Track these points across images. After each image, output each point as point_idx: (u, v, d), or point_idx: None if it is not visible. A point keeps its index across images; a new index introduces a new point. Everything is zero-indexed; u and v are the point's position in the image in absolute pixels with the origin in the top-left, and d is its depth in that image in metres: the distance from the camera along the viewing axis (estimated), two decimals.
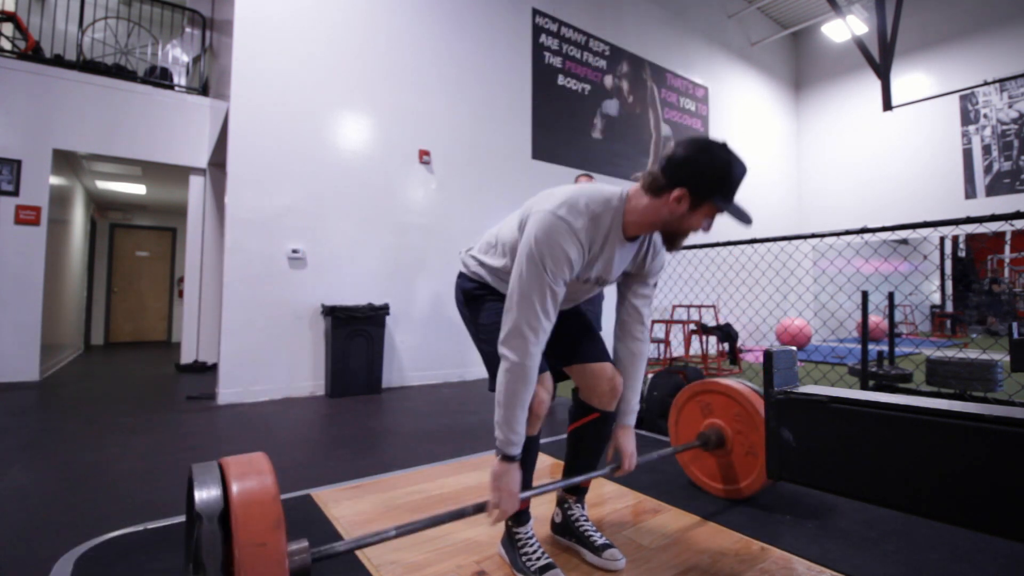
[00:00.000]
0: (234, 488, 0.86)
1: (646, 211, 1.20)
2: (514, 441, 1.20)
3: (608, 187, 1.26)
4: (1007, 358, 4.47)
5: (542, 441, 2.58)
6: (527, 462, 1.34)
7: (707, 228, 1.20)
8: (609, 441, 1.49)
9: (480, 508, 1.21)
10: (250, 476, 0.89)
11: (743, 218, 1.14)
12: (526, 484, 1.36)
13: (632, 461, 1.44)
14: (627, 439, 1.46)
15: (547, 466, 2.27)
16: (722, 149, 1.12)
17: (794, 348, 1.72)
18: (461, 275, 1.50)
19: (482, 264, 1.42)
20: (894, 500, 1.37)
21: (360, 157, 4.50)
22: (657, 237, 1.36)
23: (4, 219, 4.45)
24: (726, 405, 1.85)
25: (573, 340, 1.46)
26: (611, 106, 6.59)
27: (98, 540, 1.54)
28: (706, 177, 1.12)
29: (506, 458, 1.20)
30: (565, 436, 1.59)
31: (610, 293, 1.61)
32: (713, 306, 6.44)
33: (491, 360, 1.31)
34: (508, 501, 1.19)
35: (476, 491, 1.95)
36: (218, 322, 4.05)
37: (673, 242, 1.24)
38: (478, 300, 1.44)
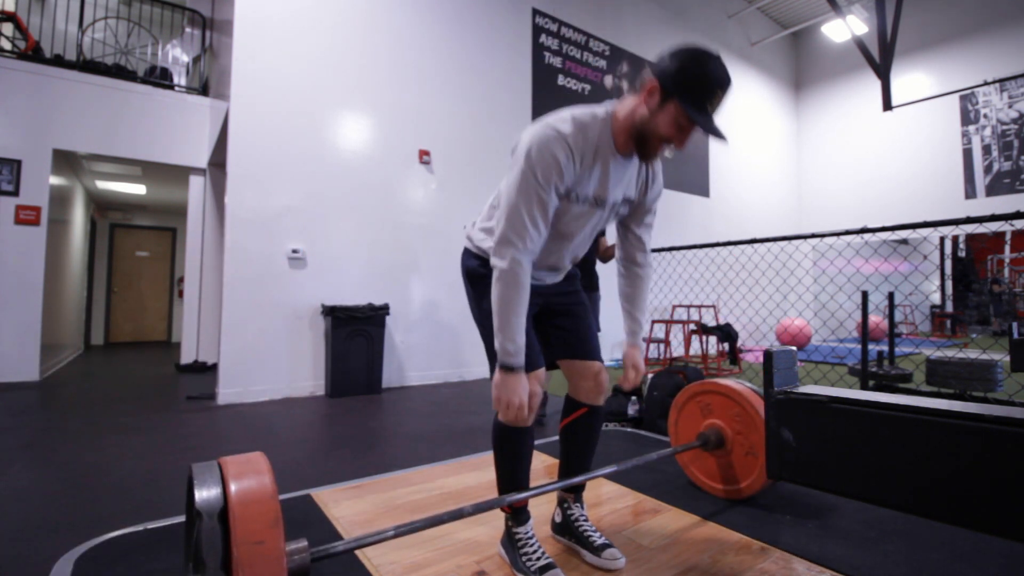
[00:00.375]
0: (232, 487, 0.86)
1: (628, 113, 1.20)
2: (513, 350, 1.18)
3: (596, 105, 1.27)
4: (1007, 358, 4.48)
5: (540, 441, 2.58)
6: (523, 454, 1.35)
7: (679, 140, 1.15)
8: (599, 436, 1.52)
9: (480, 508, 1.21)
10: (248, 475, 0.90)
11: (710, 129, 1.10)
12: (523, 479, 1.36)
13: (636, 376, 1.48)
14: (635, 355, 1.50)
15: (546, 466, 2.27)
16: (706, 55, 1.11)
17: (794, 348, 1.72)
18: (466, 251, 1.47)
19: (486, 231, 1.38)
20: (894, 500, 1.37)
21: (360, 157, 4.51)
22: (657, 165, 1.38)
23: (4, 219, 4.45)
24: (726, 405, 1.85)
25: (568, 335, 1.47)
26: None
27: (98, 540, 1.54)
28: (677, 72, 1.10)
29: (507, 367, 1.19)
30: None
31: (610, 295, 1.60)
32: (713, 306, 6.44)
33: (490, 344, 1.31)
34: (517, 414, 1.19)
35: (476, 491, 1.95)
36: (218, 322, 4.05)
37: (645, 148, 1.21)
38: (483, 281, 1.38)
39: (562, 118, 1.19)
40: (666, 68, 1.12)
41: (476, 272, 1.42)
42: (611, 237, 2.18)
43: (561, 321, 1.47)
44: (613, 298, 1.76)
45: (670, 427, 2.04)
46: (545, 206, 1.18)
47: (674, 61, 1.11)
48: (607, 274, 2.94)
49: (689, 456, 1.98)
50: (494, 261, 1.19)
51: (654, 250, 3.44)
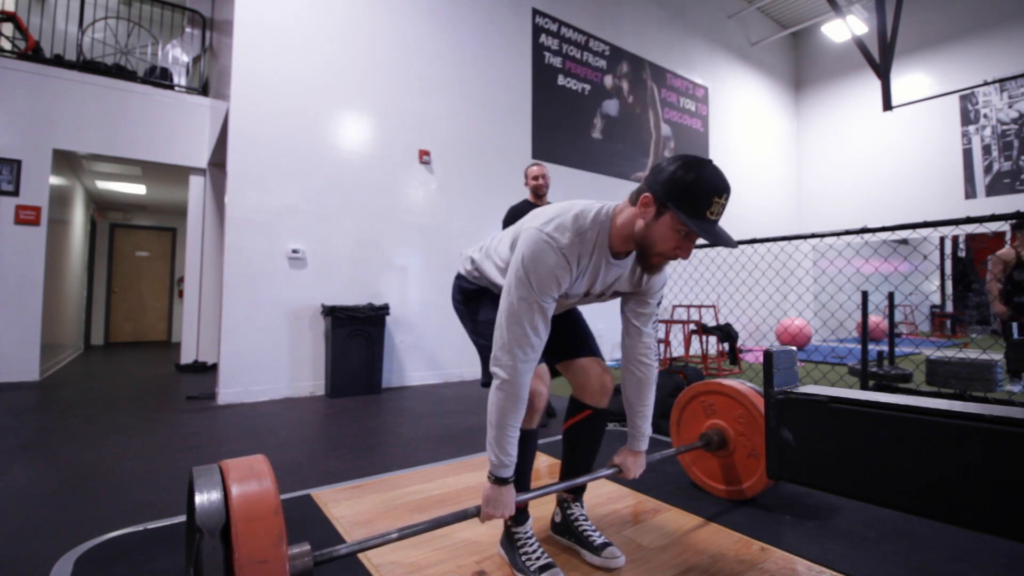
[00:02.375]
0: (235, 500, 0.84)
1: (625, 221, 1.17)
2: (506, 463, 1.19)
3: (597, 203, 1.23)
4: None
5: (542, 441, 2.58)
6: (526, 456, 1.36)
7: (682, 250, 1.13)
8: (602, 437, 1.52)
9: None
10: (251, 484, 0.88)
11: (712, 237, 1.06)
12: (524, 479, 1.37)
13: (633, 476, 1.47)
14: (634, 461, 1.47)
15: (547, 466, 2.27)
16: (699, 162, 1.08)
17: (794, 348, 1.72)
18: (460, 276, 1.51)
19: (481, 272, 1.43)
20: (894, 500, 1.37)
21: (360, 157, 4.50)
22: None
23: (4, 219, 4.45)
24: (729, 406, 1.84)
25: (566, 338, 1.48)
26: (611, 106, 6.59)
27: (98, 540, 1.54)
28: (670, 183, 1.07)
29: (499, 480, 1.20)
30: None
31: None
32: (713, 306, 6.44)
33: (487, 355, 1.32)
34: (504, 514, 1.21)
35: (476, 491, 1.95)
36: (218, 322, 4.05)
37: (645, 260, 1.18)
38: (477, 297, 1.46)
39: (561, 223, 1.16)
40: (658, 180, 1.10)
41: (470, 292, 1.47)
42: None
43: (559, 327, 1.47)
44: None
45: (672, 427, 2.04)
46: (545, 314, 1.17)
47: (664, 172, 1.09)
48: None
49: (691, 457, 1.97)
50: (495, 370, 1.18)
51: None
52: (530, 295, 1.14)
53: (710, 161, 1.09)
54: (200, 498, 0.84)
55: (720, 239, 1.07)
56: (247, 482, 0.88)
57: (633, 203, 1.16)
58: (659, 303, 1.41)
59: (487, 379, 1.29)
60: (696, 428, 1.94)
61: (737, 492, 1.81)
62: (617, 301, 1.44)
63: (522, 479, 1.36)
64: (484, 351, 1.37)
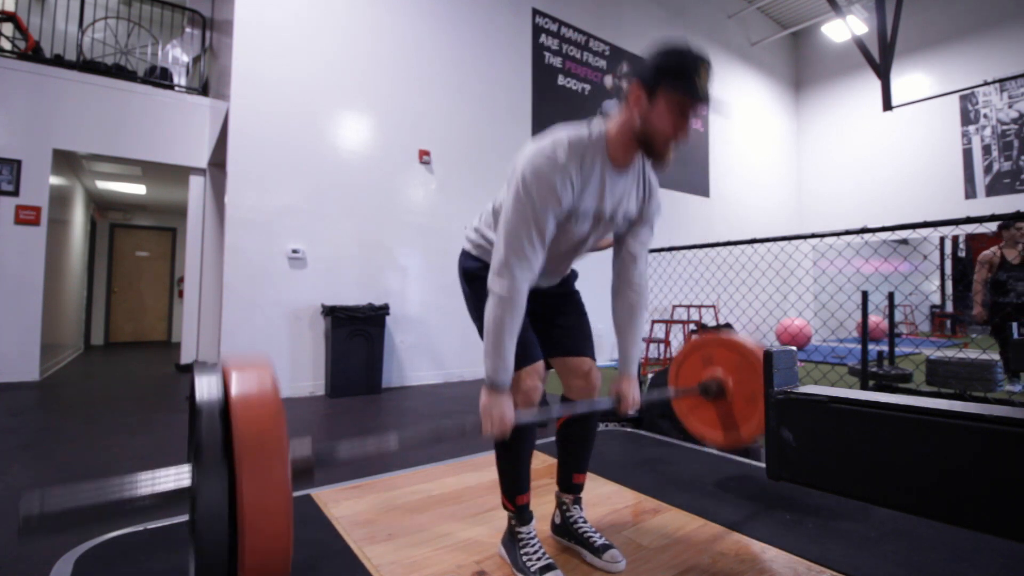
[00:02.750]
0: (234, 381, 0.86)
1: (621, 125, 1.19)
2: (504, 369, 1.19)
3: (585, 124, 1.26)
4: None
5: (541, 441, 2.58)
6: (524, 450, 1.36)
7: (682, 129, 1.14)
8: (595, 434, 1.53)
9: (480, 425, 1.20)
10: (249, 369, 0.90)
11: (707, 99, 1.10)
12: (524, 476, 1.37)
13: (631, 405, 1.45)
14: (628, 387, 1.46)
15: (546, 466, 2.27)
16: (675, 41, 1.14)
17: (794, 348, 1.72)
18: (464, 253, 1.47)
19: (484, 238, 1.39)
20: (894, 500, 1.37)
21: (360, 157, 4.50)
22: (652, 176, 1.36)
23: (4, 219, 4.45)
24: (727, 356, 1.85)
25: (565, 333, 1.47)
26: (611, 106, 6.59)
27: (98, 540, 1.54)
28: (655, 65, 1.12)
29: (495, 387, 1.19)
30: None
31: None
32: (713, 306, 6.44)
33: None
34: (501, 429, 1.18)
35: (477, 491, 1.95)
36: (218, 322, 4.05)
37: (652, 152, 1.19)
38: (481, 282, 1.39)
39: (557, 141, 1.18)
40: (642, 67, 1.15)
41: (475, 273, 1.43)
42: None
43: (555, 319, 1.48)
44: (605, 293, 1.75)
45: (670, 382, 2.03)
46: (543, 232, 1.17)
47: (647, 60, 1.15)
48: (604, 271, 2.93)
49: (688, 407, 1.97)
50: (492, 285, 1.18)
51: (654, 250, 3.44)
52: (528, 210, 1.14)
53: (682, 40, 1.15)
54: (200, 381, 0.84)
55: (715, 104, 1.12)
56: (246, 368, 0.90)
57: (621, 104, 1.21)
58: (653, 229, 1.42)
59: None
60: (695, 380, 1.94)
61: (735, 438, 1.81)
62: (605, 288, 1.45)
63: (522, 475, 1.37)
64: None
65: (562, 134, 1.20)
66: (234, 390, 0.85)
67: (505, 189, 1.28)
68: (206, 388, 0.84)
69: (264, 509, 0.79)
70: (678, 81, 1.09)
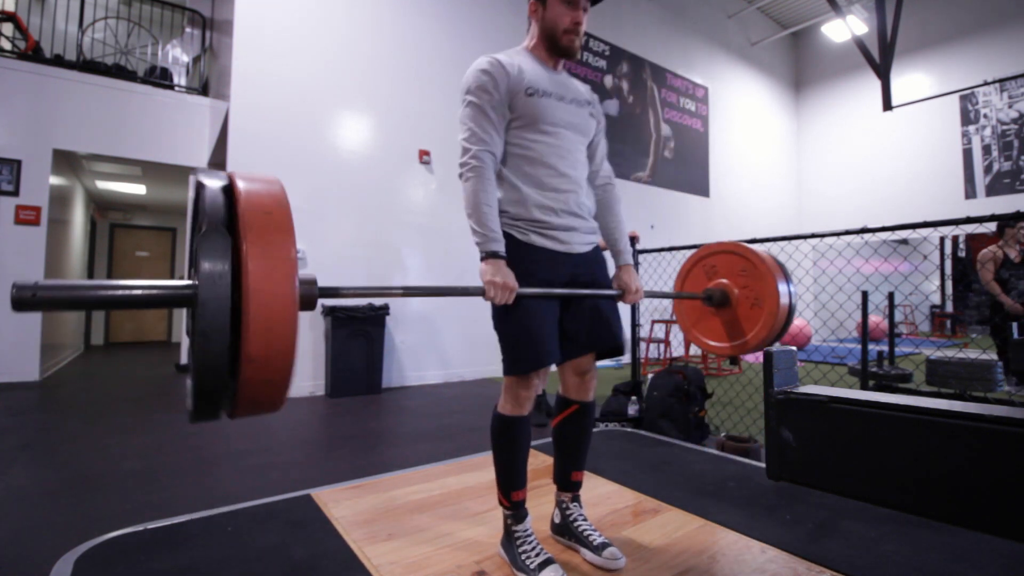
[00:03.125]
0: (239, 180, 0.81)
1: (531, 38, 1.42)
2: (493, 237, 1.25)
3: None
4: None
5: (540, 441, 2.58)
6: (520, 446, 1.37)
7: (573, 15, 1.35)
8: (591, 433, 1.53)
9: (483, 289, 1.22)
10: (256, 178, 0.85)
11: None
12: (521, 470, 1.37)
13: (635, 294, 1.46)
14: (628, 276, 1.48)
15: (546, 466, 2.27)
16: None
17: (794, 348, 1.72)
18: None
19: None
20: (894, 500, 1.37)
21: (360, 157, 4.50)
22: (591, 95, 1.52)
23: (4, 219, 4.45)
24: (731, 262, 1.82)
25: (573, 329, 1.42)
26: (611, 106, 6.59)
27: (98, 540, 1.53)
28: None
29: (491, 255, 1.24)
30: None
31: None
32: None
33: (503, 341, 1.34)
34: (504, 293, 1.21)
35: (477, 491, 1.95)
36: None
37: (559, 48, 1.38)
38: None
39: (483, 57, 1.37)
40: None
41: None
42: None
43: (567, 316, 1.42)
44: None
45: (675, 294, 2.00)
46: (492, 110, 1.31)
47: None
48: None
49: (692, 319, 1.94)
50: (463, 167, 1.31)
51: (654, 249, 3.44)
52: (473, 101, 1.31)
53: None
54: (204, 176, 0.79)
55: None
56: (253, 180, 0.83)
57: (528, 30, 1.44)
58: (603, 135, 1.56)
59: (506, 368, 1.32)
60: (699, 290, 1.92)
61: (741, 346, 1.78)
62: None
63: (520, 469, 1.37)
64: (501, 336, 1.37)
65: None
66: (240, 181, 0.80)
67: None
68: (208, 176, 0.80)
69: (271, 294, 0.73)
70: None
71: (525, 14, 6.25)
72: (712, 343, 1.88)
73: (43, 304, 0.70)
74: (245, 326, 0.72)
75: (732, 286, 1.81)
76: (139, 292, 0.78)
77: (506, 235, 1.38)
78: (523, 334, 1.29)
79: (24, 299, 0.68)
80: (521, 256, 1.33)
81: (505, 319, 1.32)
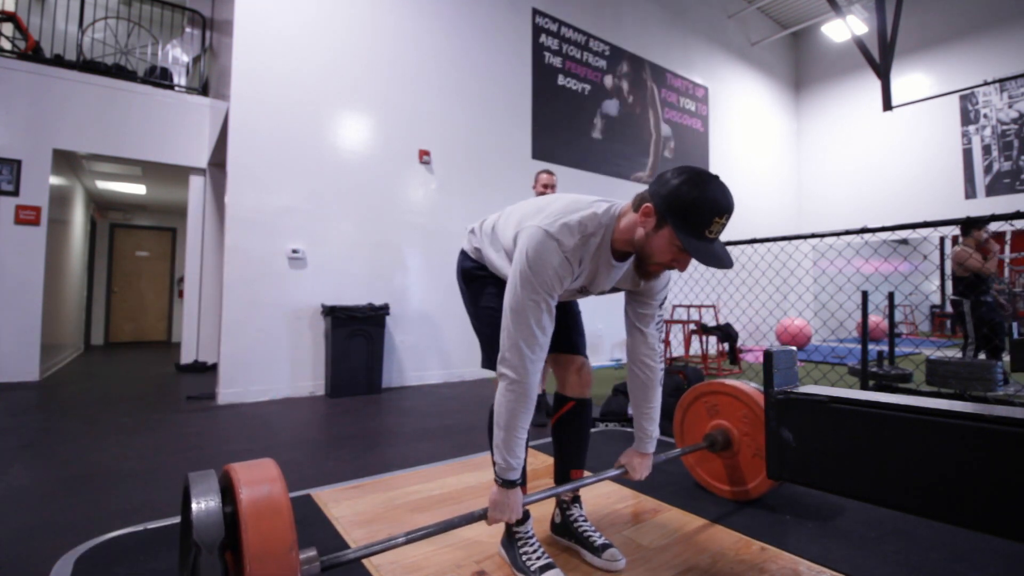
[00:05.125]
0: (245, 508, 0.80)
1: (627, 226, 1.17)
2: (514, 466, 1.18)
3: (601, 203, 1.23)
4: (1007, 358, 4.47)
5: (541, 441, 2.58)
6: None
7: (679, 263, 1.13)
8: (589, 429, 1.54)
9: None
10: (260, 486, 0.84)
11: (706, 259, 1.04)
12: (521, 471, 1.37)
13: (639, 477, 1.48)
14: (640, 462, 1.47)
15: (546, 467, 2.27)
16: (704, 179, 1.05)
17: (794, 348, 1.72)
18: (463, 253, 1.52)
19: (480, 253, 1.46)
20: (894, 500, 1.37)
21: (360, 157, 4.50)
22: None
23: (4, 219, 4.45)
24: (732, 406, 1.84)
25: (558, 331, 1.45)
26: (611, 106, 6.59)
27: (98, 540, 1.54)
28: (672, 197, 1.05)
29: (506, 484, 1.19)
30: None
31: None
32: (713, 306, 6.44)
33: (487, 342, 1.38)
34: (508, 520, 1.22)
35: (476, 491, 1.95)
36: (218, 322, 4.05)
37: (643, 268, 1.20)
38: (479, 282, 1.47)
39: (566, 226, 1.16)
40: (660, 192, 1.08)
41: (473, 273, 1.47)
42: None
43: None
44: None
45: (675, 427, 2.04)
46: (550, 311, 1.17)
47: (667, 185, 1.07)
48: None
49: (695, 458, 1.97)
50: (504, 370, 1.17)
51: None
52: (535, 295, 1.14)
53: (716, 177, 1.06)
54: (197, 507, 0.78)
55: (716, 259, 1.04)
56: (257, 486, 0.83)
57: (636, 209, 1.16)
58: (662, 304, 1.39)
59: (487, 363, 1.32)
60: (700, 429, 1.94)
61: (742, 492, 1.81)
62: (620, 300, 1.44)
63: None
64: (482, 337, 1.43)
65: (574, 216, 1.17)
66: (245, 517, 0.79)
67: (506, 222, 1.32)
68: (204, 516, 0.77)
69: None
70: (687, 227, 1.05)
71: (525, 13, 6.25)
72: (715, 484, 1.91)
73: None
74: None
75: (733, 429, 1.84)
76: None
77: (476, 261, 1.46)
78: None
79: None
80: (500, 291, 1.34)
81: (484, 317, 1.38)
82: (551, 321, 1.17)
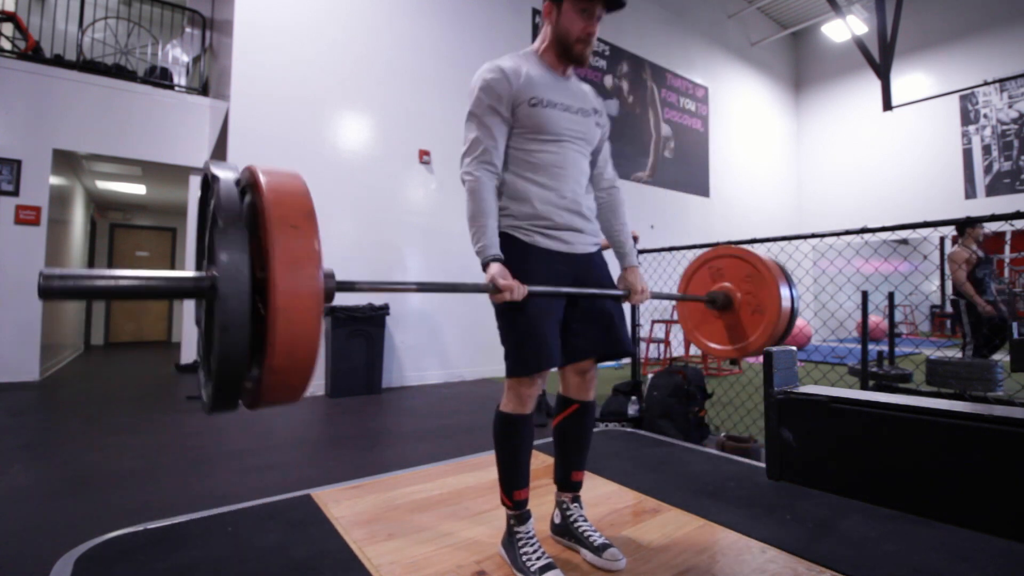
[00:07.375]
0: (261, 175, 0.79)
1: (543, 41, 1.41)
2: (491, 245, 1.29)
3: None
4: (1007, 358, 4.47)
5: (540, 441, 2.58)
6: (523, 444, 1.37)
7: (587, 26, 1.32)
8: (592, 432, 1.53)
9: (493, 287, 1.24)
10: (277, 172, 0.84)
11: None
12: (524, 470, 1.37)
13: (641, 294, 1.48)
14: (634, 277, 1.50)
15: (546, 466, 2.27)
16: None
17: (794, 348, 1.72)
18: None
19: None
20: (894, 500, 1.37)
21: (360, 157, 4.50)
22: (597, 100, 1.53)
23: (4, 219, 4.45)
24: (736, 267, 1.85)
25: (575, 332, 1.42)
26: (611, 106, 6.59)
27: (98, 540, 1.53)
28: None
29: (495, 259, 1.27)
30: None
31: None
32: None
33: (508, 343, 1.34)
34: (521, 290, 1.23)
35: (477, 491, 1.95)
36: None
37: (570, 55, 1.37)
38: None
39: (494, 60, 1.38)
40: None
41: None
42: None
43: (573, 317, 1.41)
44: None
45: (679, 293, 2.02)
46: (492, 121, 1.33)
47: None
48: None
49: (694, 322, 1.98)
50: (463, 176, 1.35)
51: (654, 249, 3.45)
52: (477, 107, 1.34)
53: None
54: (223, 176, 0.77)
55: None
56: (275, 171, 0.83)
57: (541, 32, 1.42)
58: (607, 140, 1.59)
59: (511, 369, 1.31)
60: (703, 292, 1.95)
61: (742, 348, 1.83)
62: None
63: (520, 469, 1.37)
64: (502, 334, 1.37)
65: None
66: (261, 174, 0.79)
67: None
68: (224, 168, 0.77)
69: (297, 309, 0.73)
70: None
71: (525, 13, 6.28)
72: (714, 345, 1.91)
73: (68, 293, 0.72)
74: (271, 343, 0.75)
75: (735, 290, 1.84)
76: (157, 282, 0.79)
77: (510, 236, 1.40)
78: (529, 336, 1.29)
79: (51, 288, 0.69)
80: (525, 257, 1.34)
81: (512, 321, 1.32)
82: (500, 133, 1.35)
